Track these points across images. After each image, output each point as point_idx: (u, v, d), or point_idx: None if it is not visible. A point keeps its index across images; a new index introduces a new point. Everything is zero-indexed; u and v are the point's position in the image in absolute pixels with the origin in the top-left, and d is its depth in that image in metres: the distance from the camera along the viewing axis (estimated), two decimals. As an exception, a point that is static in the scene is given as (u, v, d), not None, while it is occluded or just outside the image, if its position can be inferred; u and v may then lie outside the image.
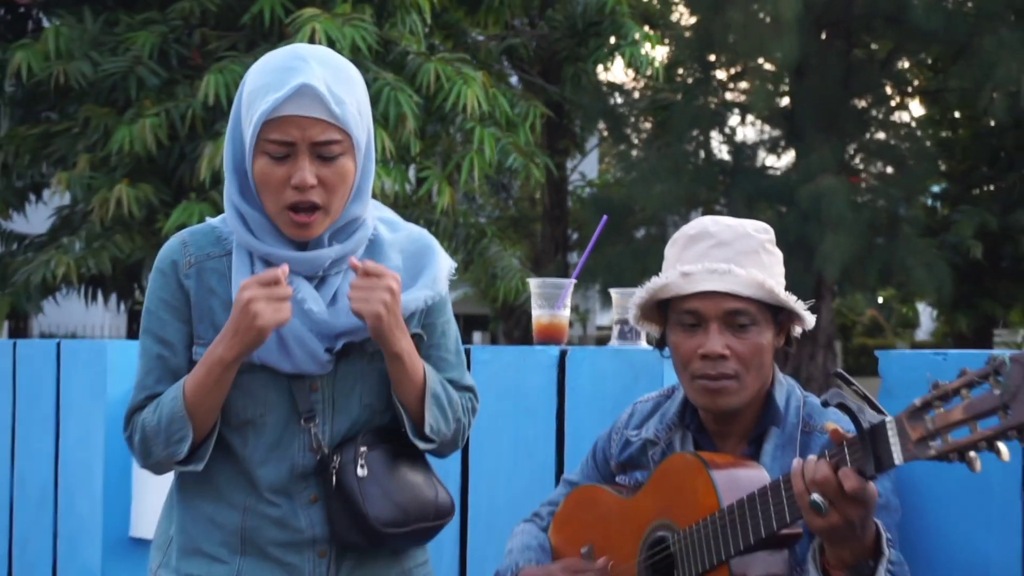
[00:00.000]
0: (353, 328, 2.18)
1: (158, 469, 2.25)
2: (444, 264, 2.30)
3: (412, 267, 2.28)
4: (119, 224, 9.40)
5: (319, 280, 2.20)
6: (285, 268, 2.11)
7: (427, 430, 2.22)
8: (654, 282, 2.24)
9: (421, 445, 2.24)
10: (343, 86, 2.13)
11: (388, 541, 2.21)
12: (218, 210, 8.71)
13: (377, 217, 2.30)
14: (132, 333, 22.53)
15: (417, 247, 2.30)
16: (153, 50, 9.33)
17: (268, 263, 2.17)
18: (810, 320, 2.23)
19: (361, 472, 2.17)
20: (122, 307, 11.99)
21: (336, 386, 2.22)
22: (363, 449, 2.19)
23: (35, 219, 11.31)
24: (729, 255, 2.18)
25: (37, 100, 10.53)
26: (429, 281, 2.26)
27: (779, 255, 2.27)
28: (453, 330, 2.36)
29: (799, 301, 2.21)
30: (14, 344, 4.65)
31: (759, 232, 2.23)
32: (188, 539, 2.27)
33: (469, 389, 2.35)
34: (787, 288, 2.22)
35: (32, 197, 10.93)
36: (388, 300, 2.11)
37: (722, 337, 2.18)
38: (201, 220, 8.33)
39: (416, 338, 2.26)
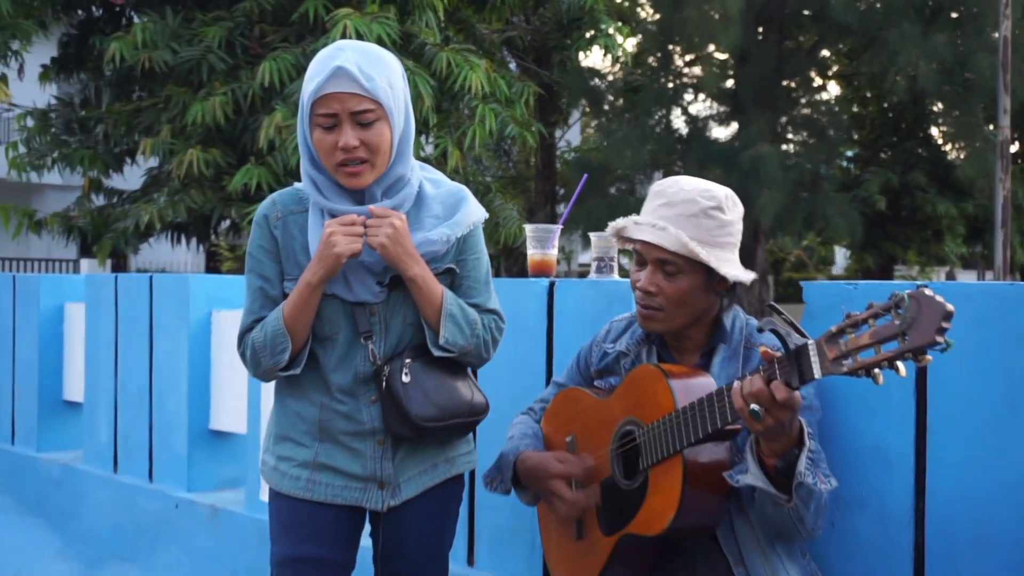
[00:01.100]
0: None
1: (266, 377, 2.30)
2: (471, 212, 2.31)
3: (447, 215, 2.29)
4: (194, 182, 9.42)
5: None
6: (364, 218, 2.17)
7: (442, 341, 2.24)
8: (618, 222, 2.26)
9: (438, 353, 2.26)
10: (373, 67, 2.15)
11: (428, 433, 2.24)
12: (273, 173, 8.74)
13: (424, 177, 2.32)
14: (209, 269, 22.56)
15: (454, 199, 2.32)
16: (221, 41, 9.27)
17: (334, 216, 2.22)
18: (731, 275, 2.16)
19: (405, 379, 2.22)
20: (200, 248, 12.00)
21: (388, 310, 2.26)
22: (408, 360, 2.24)
23: (131, 178, 11.32)
24: (672, 215, 2.16)
25: (129, 82, 10.49)
26: (453, 223, 2.27)
27: (725, 219, 2.18)
28: (483, 264, 2.36)
29: (729, 260, 2.16)
30: (116, 278, 4.66)
31: (705, 199, 2.17)
32: (281, 429, 2.33)
33: (493, 312, 2.35)
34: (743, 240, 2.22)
35: (128, 160, 10.93)
36: (390, 232, 2.16)
37: (654, 277, 2.18)
38: (259, 182, 8.36)
39: (450, 272, 2.29)
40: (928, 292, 1.63)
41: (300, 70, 8.82)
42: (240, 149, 9.45)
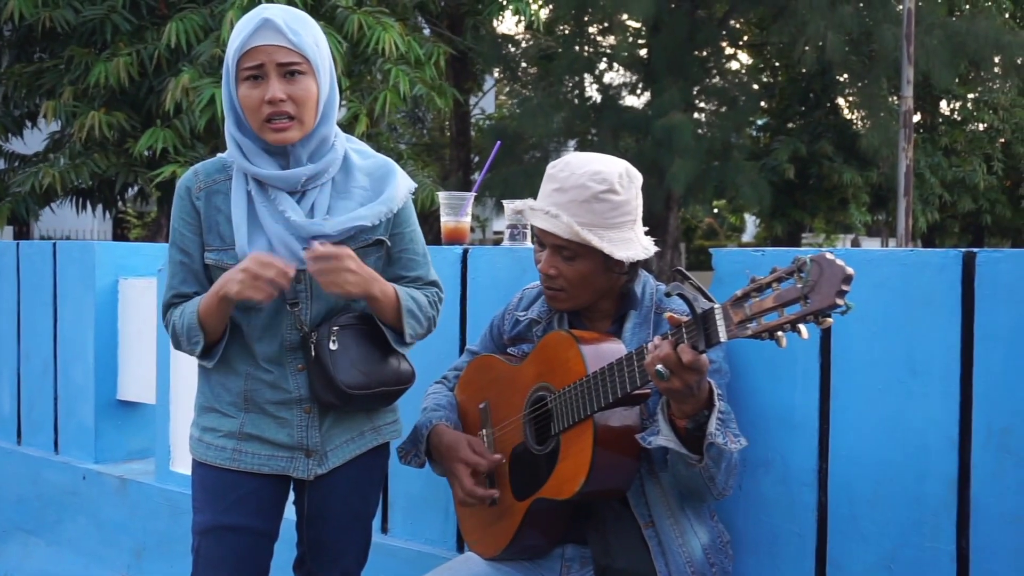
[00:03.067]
0: (325, 232, 2.18)
1: (189, 354, 2.28)
2: (402, 185, 2.29)
3: (376, 187, 2.28)
4: (97, 145, 9.16)
5: (300, 195, 2.21)
6: (292, 270, 2.10)
7: (408, 340, 2.27)
8: (517, 203, 2.28)
9: (403, 350, 2.29)
10: (299, 23, 2.16)
11: (355, 401, 2.24)
12: (180, 136, 8.54)
13: (349, 147, 2.30)
14: (116, 236, 21.99)
15: (382, 172, 2.30)
16: (126, 1, 9.01)
17: (259, 182, 2.19)
18: (626, 258, 2.15)
19: (333, 346, 2.20)
20: (107, 215, 11.70)
21: (315, 278, 2.20)
22: (335, 328, 2.22)
23: (31, 142, 10.97)
24: (563, 201, 2.16)
25: (30, 43, 10.13)
26: (386, 199, 2.26)
27: (619, 199, 2.16)
28: (419, 236, 2.36)
29: (626, 240, 2.15)
30: (17, 245, 4.52)
31: (596, 183, 2.14)
32: (205, 400, 2.31)
33: (434, 284, 2.37)
34: (645, 207, 2.23)
35: (28, 124, 10.58)
36: (351, 278, 2.12)
37: (553, 260, 2.20)
38: (166, 144, 8.14)
39: (380, 244, 2.26)
40: (829, 256, 1.66)
41: (207, 31, 8.61)
42: (145, 112, 9.21)
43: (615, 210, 2.16)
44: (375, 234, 2.26)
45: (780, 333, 1.71)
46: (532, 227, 2.26)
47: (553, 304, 2.26)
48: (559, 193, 2.17)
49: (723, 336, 1.80)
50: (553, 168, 2.23)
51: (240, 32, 2.15)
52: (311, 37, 2.17)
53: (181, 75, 8.31)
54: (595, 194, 2.14)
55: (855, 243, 29.31)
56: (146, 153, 8.69)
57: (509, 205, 3.02)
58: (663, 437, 2.00)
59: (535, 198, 2.25)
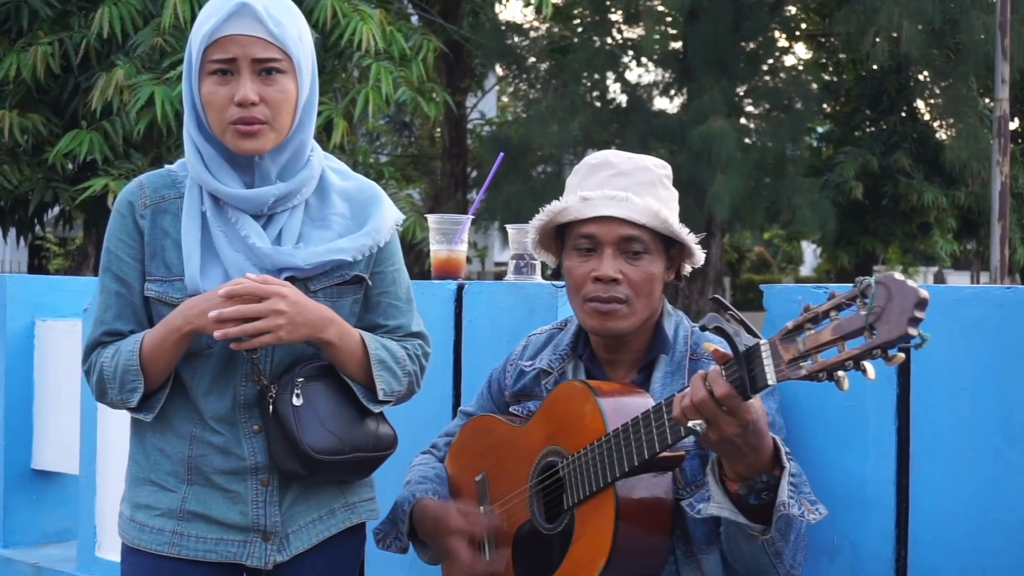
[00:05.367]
0: (296, 264, 2.20)
1: (112, 407, 2.27)
2: (388, 215, 2.32)
3: (358, 215, 2.30)
4: (7, 154, 9.19)
5: (266, 219, 2.23)
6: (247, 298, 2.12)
7: (381, 396, 2.26)
8: (554, 205, 2.27)
9: (378, 408, 2.28)
10: (282, 11, 2.18)
11: (324, 469, 2.23)
12: (110, 144, 8.56)
13: (327, 165, 2.32)
14: (33, 268, 22.05)
15: (365, 196, 2.32)
16: (46, -19, 9.08)
17: (216, 200, 2.20)
18: (700, 256, 2.26)
19: (297, 401, 2.20)
20: (21, 242, 11.73)
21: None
22: (300, 380, 2.22)
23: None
24: (628, 184, 2.21)
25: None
26: (371, 230, 2.28)
27: (675, 193, 2.29)
28: (404, 278, 2.38)
29: (691, 234, 2.24)
30: (-89, 278, 4.53)
31: (658, 167, 2.26)
32: (140, 470, 2.30)
33: (418, 335, 2.38)
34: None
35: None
36: (282, 323, 2.12)
37: (616, 262, 2.21)
38: (91, 149, 8.19)
39: (359, 281, 2.28)
40: (898, 277, 1.66)
41: (147, 18, 8.68)
42: (70, 115, 9.25)
43: (675, 202, 2.25)
44: (354, 270, 2.28)
45: (840, 372, 1.71)
46: (569, 233, 2.26)
47: (610, 325, 2.23)
48: (620, 178, 2.21)
49: (771, 378, 1.79)
50: (596, 159, 2.27)
51: (210, 15, 2.16)
52: (295, 29, 2.19)
53: (114, 70, 8.35)
54: (659, 177, 2.24)
55: (939, 278, 29.32)
56: (69, 166, 8.66)
57: (515, 230, 3.03)
58: (715, 504, 1.99)
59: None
